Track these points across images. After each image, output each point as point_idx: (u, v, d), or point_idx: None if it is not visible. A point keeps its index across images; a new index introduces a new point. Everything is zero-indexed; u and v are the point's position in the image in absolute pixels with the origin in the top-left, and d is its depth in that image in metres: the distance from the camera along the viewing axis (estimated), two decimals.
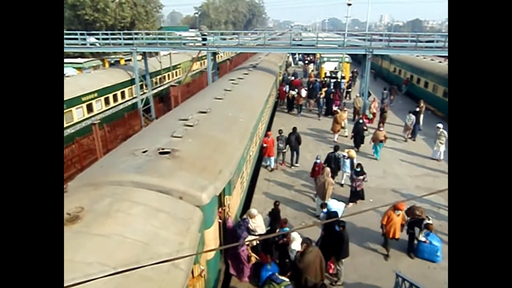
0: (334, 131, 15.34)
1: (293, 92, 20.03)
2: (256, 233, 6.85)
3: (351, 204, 10.07)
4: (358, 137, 14.17)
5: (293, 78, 23.60)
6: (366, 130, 14.22)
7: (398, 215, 7.70)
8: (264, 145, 12.12)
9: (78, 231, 3.83)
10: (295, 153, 12.80)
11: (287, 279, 5.63)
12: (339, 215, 7.86)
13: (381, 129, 13.21)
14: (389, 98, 21.24)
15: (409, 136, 15.61)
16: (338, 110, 16.10)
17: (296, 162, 12.88)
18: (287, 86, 21.20)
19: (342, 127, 15.54)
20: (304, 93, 20.14)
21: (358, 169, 9.95)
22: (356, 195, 10.09)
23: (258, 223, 7.00)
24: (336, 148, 11.26)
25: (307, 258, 6.00)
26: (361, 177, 9.85)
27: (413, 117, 15.48)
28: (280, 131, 12.96)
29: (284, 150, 12.84)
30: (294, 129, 12.83)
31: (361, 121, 14.30)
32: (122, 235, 3.90)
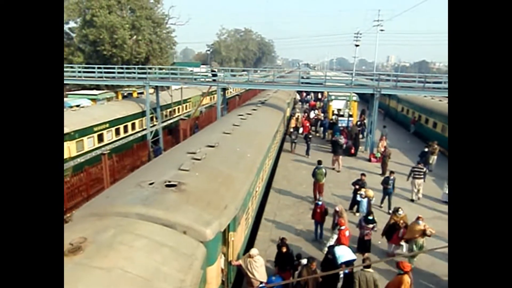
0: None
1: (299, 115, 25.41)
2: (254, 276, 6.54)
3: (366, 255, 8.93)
4: None
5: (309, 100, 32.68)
6: None
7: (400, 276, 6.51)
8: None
9: (79, 263, 3.76)
10: (308, 147, 18.72)
11: None
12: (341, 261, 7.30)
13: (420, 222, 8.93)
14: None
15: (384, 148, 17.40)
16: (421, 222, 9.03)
17: (308, 153, 18.58)
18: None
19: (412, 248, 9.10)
20: (312, 114, 25.91)
21: (370, 218, 9.14)
22: (363, 245, 9.07)
23: (259, 264, 6.75)
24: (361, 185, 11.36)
25: None
26: (370, 225, 9.05)
27: (387, 130, 19.17)
28: (293, 128, 20.20)
29: (296, 141, 19.17)
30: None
31: None
32: (123, 269, 3.80)
